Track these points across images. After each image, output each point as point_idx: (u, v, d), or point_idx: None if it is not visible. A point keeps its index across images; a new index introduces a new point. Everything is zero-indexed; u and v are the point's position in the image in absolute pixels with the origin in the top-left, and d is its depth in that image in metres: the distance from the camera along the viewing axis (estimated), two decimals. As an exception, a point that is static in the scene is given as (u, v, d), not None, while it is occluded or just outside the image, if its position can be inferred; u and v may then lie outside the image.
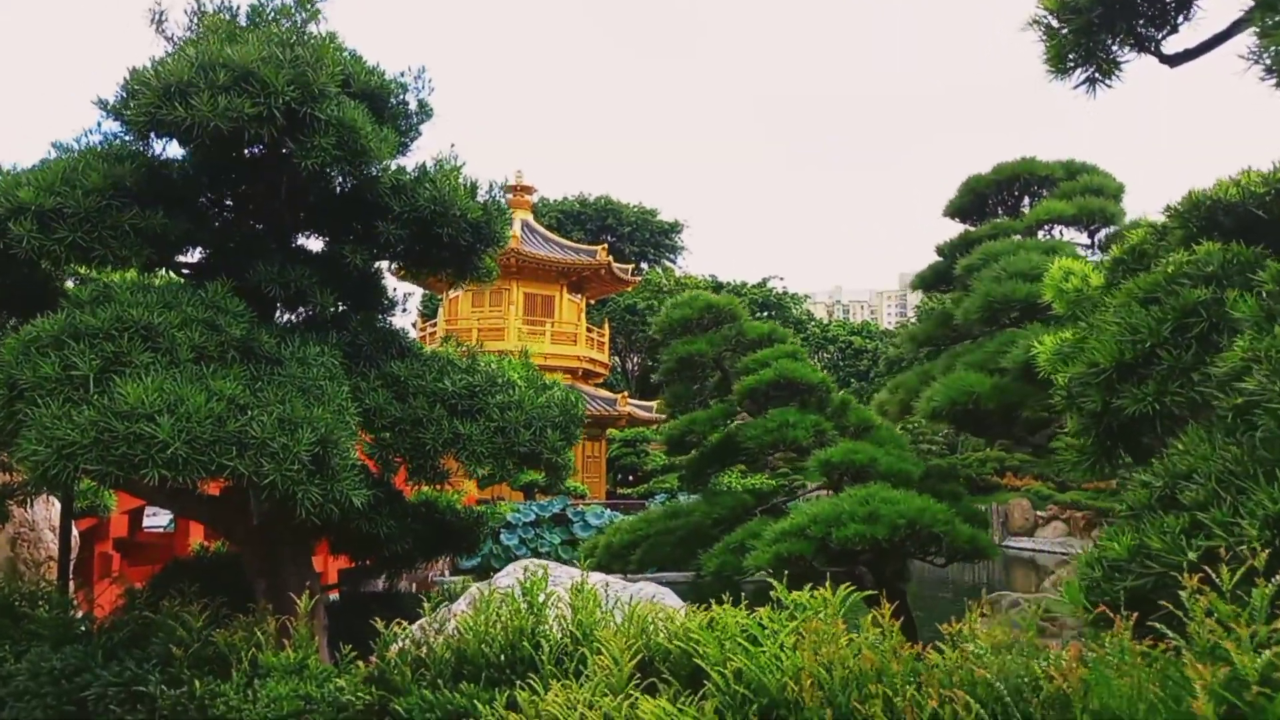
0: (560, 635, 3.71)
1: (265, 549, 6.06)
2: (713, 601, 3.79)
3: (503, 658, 3.80)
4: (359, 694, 3.88)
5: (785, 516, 8.75)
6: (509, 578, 6.03)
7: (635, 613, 3.75)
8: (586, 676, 3.44)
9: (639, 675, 3.38)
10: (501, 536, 20.02)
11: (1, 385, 4.65)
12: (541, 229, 32.11)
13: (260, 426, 4.64)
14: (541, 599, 4.02)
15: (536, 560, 6.63)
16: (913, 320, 46.55)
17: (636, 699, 3.11)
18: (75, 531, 8.60)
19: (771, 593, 3.75)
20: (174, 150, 5.95)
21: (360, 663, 4.38)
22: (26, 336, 4.75)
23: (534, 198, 35.02)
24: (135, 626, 5.49)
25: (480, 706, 3.52)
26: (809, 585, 3.73)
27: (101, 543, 12.06)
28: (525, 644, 3.78)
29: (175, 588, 5.96)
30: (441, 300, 32.39)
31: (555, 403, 6.78)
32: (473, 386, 6.36)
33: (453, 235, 6.32)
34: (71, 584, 7.97)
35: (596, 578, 5.63)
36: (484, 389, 6.41)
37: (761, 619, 3.46)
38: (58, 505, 7.86)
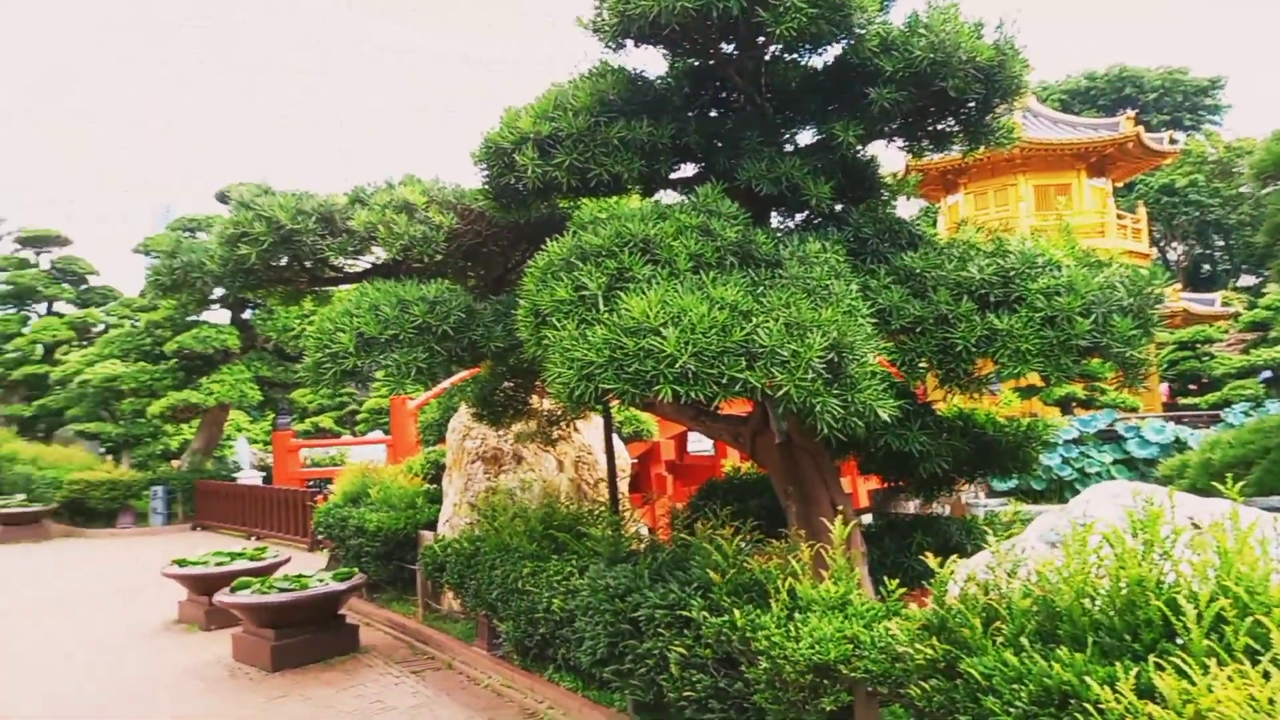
0: (1205, 591, 2.51)
1: (792, 469, 5.64)
2: None
3: (1116, 619, 2.71)
4: (917, 644, 3.11)
5: None
6: (1089, 506, 4.76)
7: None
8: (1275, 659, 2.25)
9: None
10: (1042, 456, 18.05)
11: (527, 312, 4.74)
12: (1046, 110, 28.18)
13: (766, 333, 4.08)
14: (1169, 538, 2.82)
15: (1129, 484, 5.22)
16: None
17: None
18: (626, 453, 9.21)
19: None
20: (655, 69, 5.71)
21: (911, 603, 3.62)
22: (542, 262, 4.79)
23: (1032, 78, 30.88)
24: (677, 549, 5.43)
25: (1092, 685, 2.50)
26: None
27: (655, 464, 13.21)
28: (1152, 601, 2.65)
29: (709, 508, 5.83)
30: (938, 209, 30.38)
31: (1119, 281, 5.27)
32: (1005, 271, 5.17)
33: (959, 88, 5.21)
34: (626, 502, 8.56)
35: (1217, 505, 4.12)
36: (1020, 273, 5.17)
37: None
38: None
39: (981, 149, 6.19)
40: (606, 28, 5.13)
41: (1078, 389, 18.36)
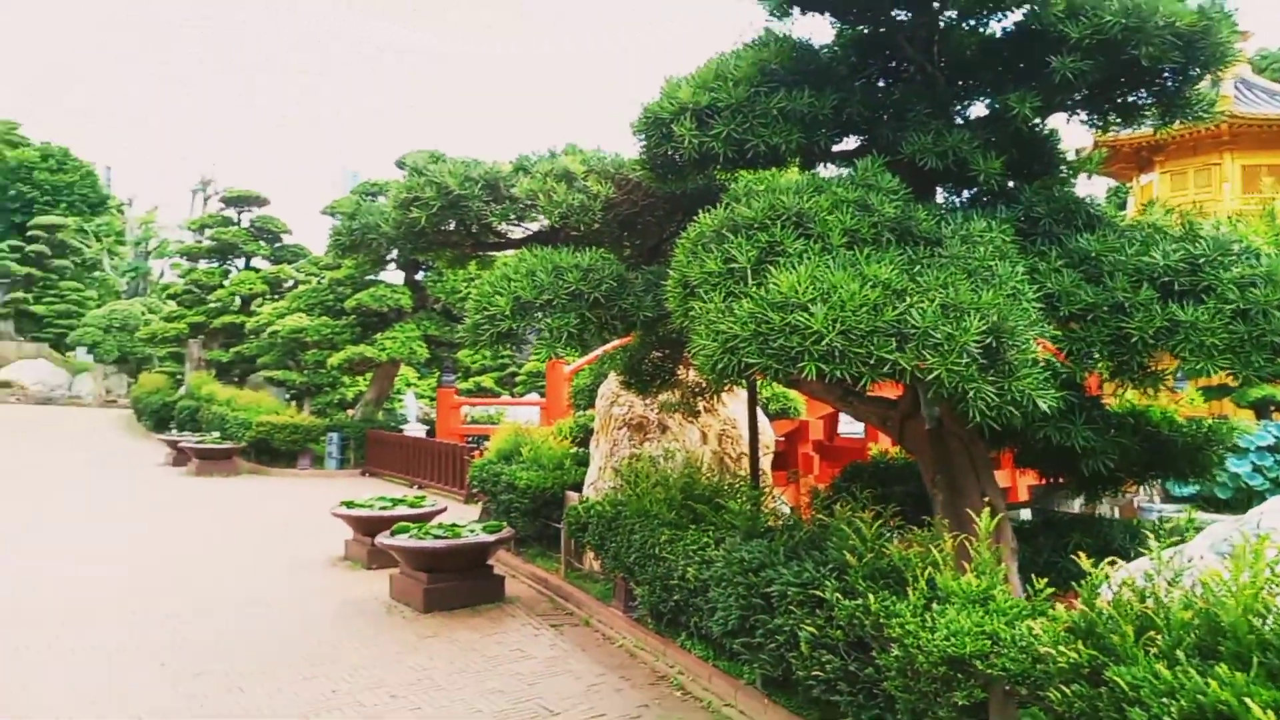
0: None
1: (941, 457, 5.44)
2: None
3: (1289, 637, 2.48)
4: (1060, 646, 2.95)
5: None
6: (1265, 517, 4.36)
7: None
8: None
9: None
10: (1228, 462, 16.52)
11: (676, 283, 4.77)
12: (1263, 82, 25.47)
13: (920, 314, 3.94)
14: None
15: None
16: None
17: None
18: (770, 429, 9.15)
19: None
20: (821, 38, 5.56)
21: (1059, 603, 3.44)
22: (693, 234, 4.80)
23: (1248, 46, 27.86)
24: (814, 528, 5.37)
25: (1253, 709, 2.30)
26: None
27: (802, 443, 13.07)
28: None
29: (850, 492, 5.73)
30: (1129, 189, 28.16)
31: (1326, 274, 4.76)
32: (1194, 259, 4.77)
33: (1153, 56, 4.82)
34: (769, 478, 8.53)
35: None
36: (1212, 261, 4.76)
37: None
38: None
39: (1177, 124, 5.71)
40: (770, -5, 5.04)
41: (1277, 391, 16.71)
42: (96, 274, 45.77)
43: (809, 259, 4.33)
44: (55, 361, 36.64)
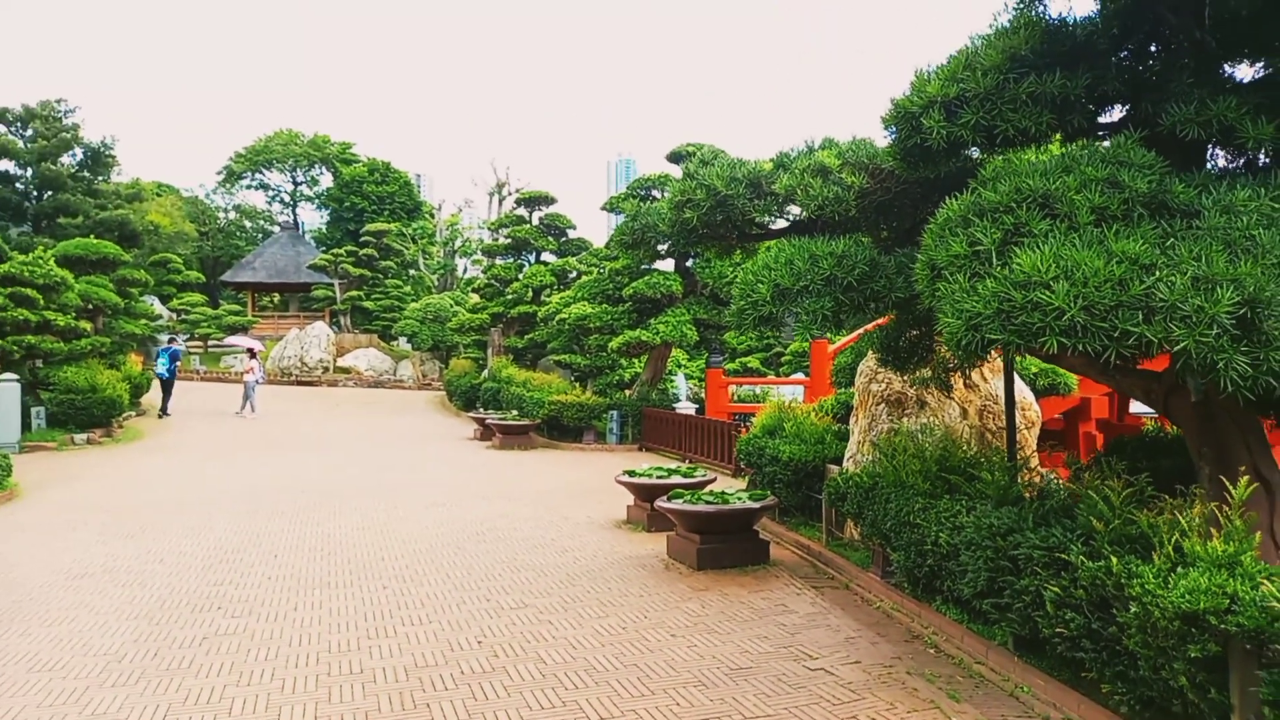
0: None
1: (1208, 431, 5.35)
2: None
3: None
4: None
5: None
6: None
7: None
8: None
9: None
10: None
11: (924, 265, 5.14)
12: None
13: (1169, 288, 4.07)
14: None
15: None
16: None
17: None
18: (1036, 405, 9.06)
19: None
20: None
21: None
22: (940, 218, 5.14)
23: None
24: (1064, 497, 5.51)
25: None
26: None
27: (1084, 423, 12.57)
28: None
29: (1109, 463, 5.77)
30: None
31: None
32: None
33: None
34: (1030, 451, 8.48)
35: None
36: None
37: None
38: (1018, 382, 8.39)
39: None
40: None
41: None
42: (413, 272, 52.13)
43: (1054, 238, 4.55)
44: (382, 350, 42.37)
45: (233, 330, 44.47)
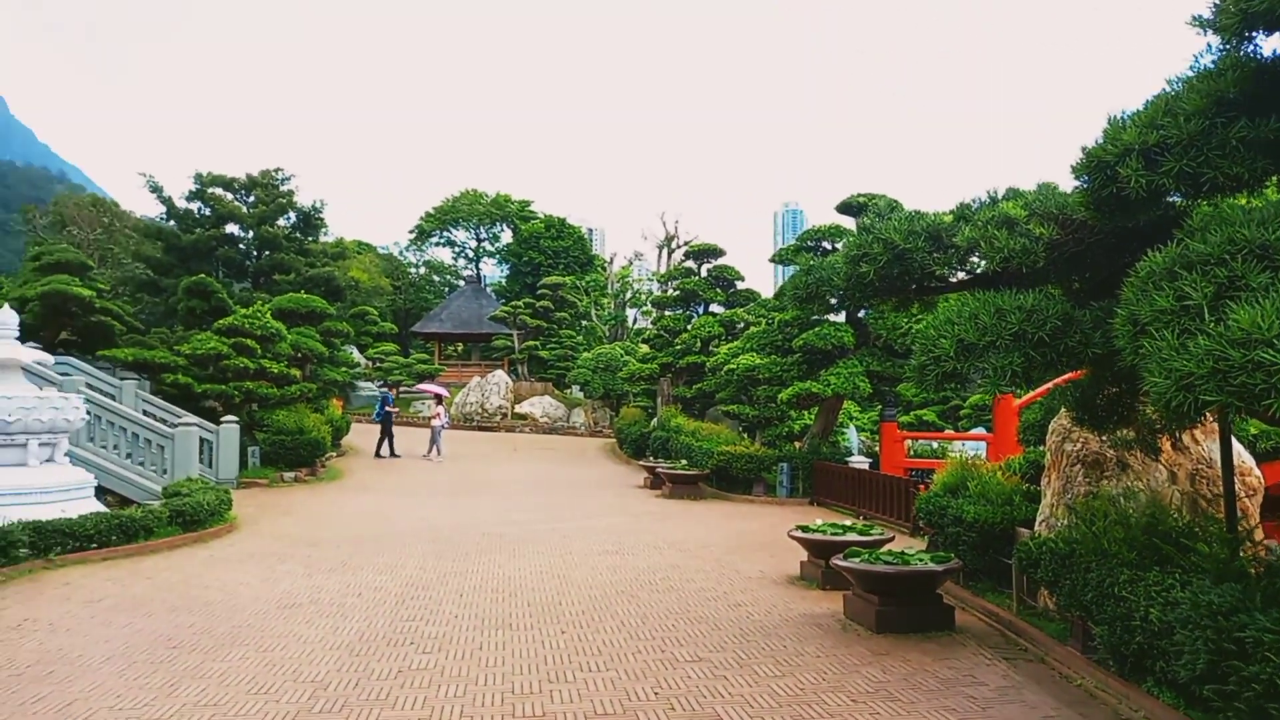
0: None
1: None
2: None
3: None
4: None
5: None
6: None
7: None
8: None
9: None
10: None
11: (1125, 321, 4.87)
12: None
13: None
14: None
15: None
16: None
17: None
18: (1257, 470, 8.27)
19: None
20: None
21: None
22: (1142, 271, 4.86)
23: None
24: (1298, 576, 4.99)
25: None
26: None
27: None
28: None
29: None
30: None
31: None
32: None
33: None
34: (1254, 521, 7.71)
35: None
36: None
37: None
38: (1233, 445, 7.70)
39: None
40: (1225, 26, 4.92)
41: None
42: (585, 323, 53.86)
43: (1275, 293, 4.20)
44: (556, 397, 43.84)
45: (421, 377, 47.31)
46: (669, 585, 10.41)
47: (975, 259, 7.54)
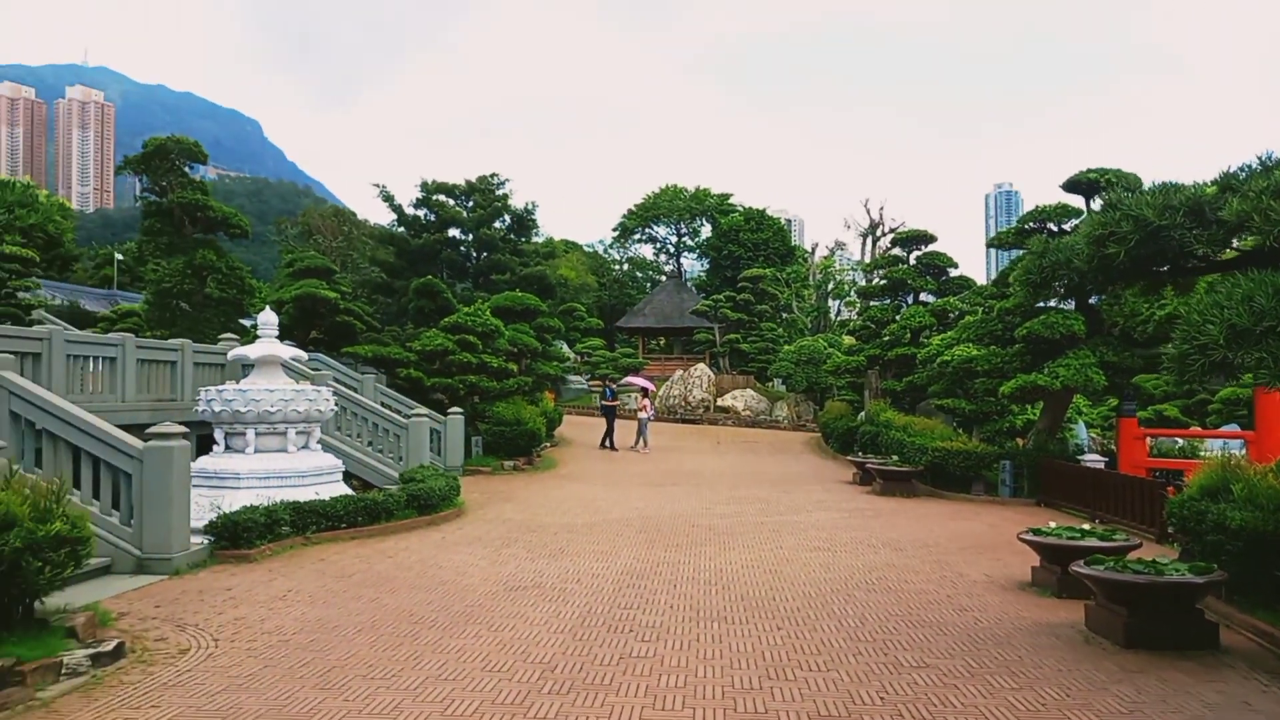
0: None
1: None
2: None
3: None
4: None
5: None
6: None
7: None
8: None
9: None
10: None
11: None
12: None
13: None
14: None
15: None
16: None
17: None
18: None
19: None
20: None
21: None
22: None
23: None
24: None
25: None
26: None
27: None
28: None
29: None
30: None
31: None
32: None
33: None
34: None
35: None
36: None
37: None
38: None
39: None
40: None
41: None
42: (786, 315, 53.19)
43: None
44: (758, 390, 43.62)
45: (626, 371, 48.59)
46: (886, 586, 10.03)
47: (1245, 234, 6.71)
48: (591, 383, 51.00)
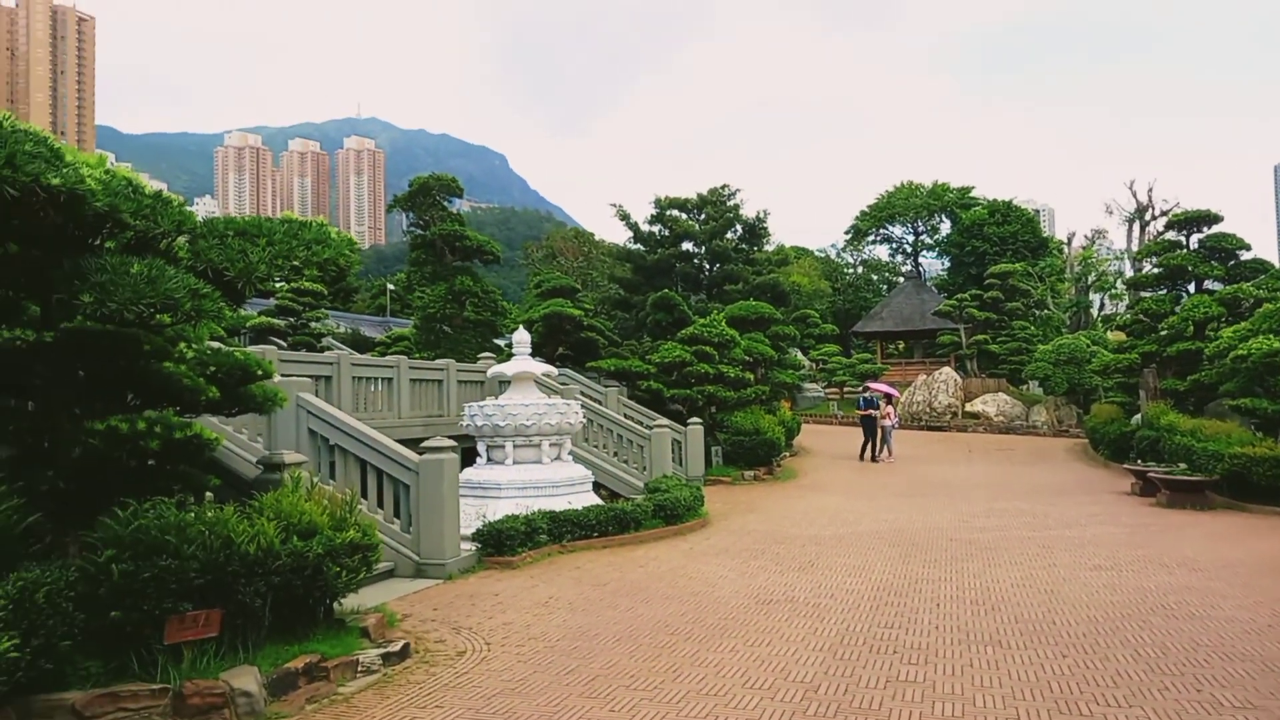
0: None
1: None
2: None
3: None
4: None
5: None
6: None
7: None
8: None
9: None
10: None
11: None
12: None
13: None
14: None
15: None
16: None
17: None
18: None
19: None
20: None
21: None
22: None
23: None
24: None
25: None
26: None
27: None
28: None
29: None
30: None
31: None
32: None
33: None
34: None
35: None
36: None
37: None
38: None
39: None
40: None
41: None
42: (1041, 312, 49.27)
43: None
44: (1011, 394, 40.66)
45: (864, 377, 47.09)
46: (1189, 612, 8.84)
47: None
48: (827, 390, 49.88)
